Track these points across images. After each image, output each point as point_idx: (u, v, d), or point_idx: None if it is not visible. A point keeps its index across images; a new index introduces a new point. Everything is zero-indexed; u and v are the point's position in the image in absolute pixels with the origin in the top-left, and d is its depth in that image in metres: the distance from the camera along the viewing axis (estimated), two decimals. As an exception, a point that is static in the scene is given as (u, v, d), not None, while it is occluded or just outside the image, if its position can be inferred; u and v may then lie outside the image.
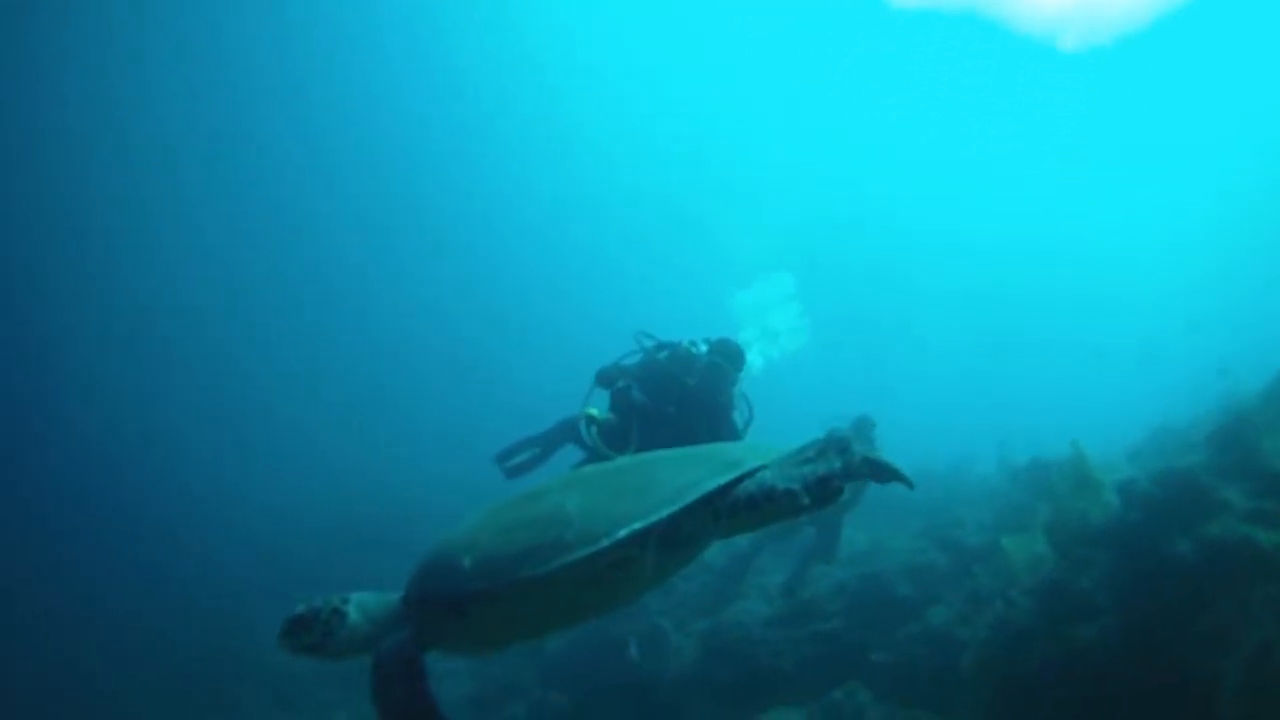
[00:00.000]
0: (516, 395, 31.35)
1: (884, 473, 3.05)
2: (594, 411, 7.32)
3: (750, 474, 2.92)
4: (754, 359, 8.22)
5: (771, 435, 4.25)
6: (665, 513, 2.77)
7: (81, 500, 25.54)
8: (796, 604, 9.43)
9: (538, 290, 50.73)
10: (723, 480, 2.88)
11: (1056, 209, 46.48)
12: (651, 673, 8.94)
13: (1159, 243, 45.21)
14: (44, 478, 26.67)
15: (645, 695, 8.68)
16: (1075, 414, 21.70)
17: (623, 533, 2.72)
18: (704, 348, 7.57)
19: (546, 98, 43.73)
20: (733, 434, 7.32)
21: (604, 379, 7.47)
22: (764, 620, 9.37)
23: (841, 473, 2.84)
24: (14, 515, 22.56)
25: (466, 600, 2.78)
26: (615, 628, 9.47)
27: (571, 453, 8.12)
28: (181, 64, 32.27)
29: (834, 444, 2.96)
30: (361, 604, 2.95)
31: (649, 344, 7.71)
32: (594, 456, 7.27)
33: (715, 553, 11.95)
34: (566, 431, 8.25)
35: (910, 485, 3.04)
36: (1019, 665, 5.88)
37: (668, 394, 7.33)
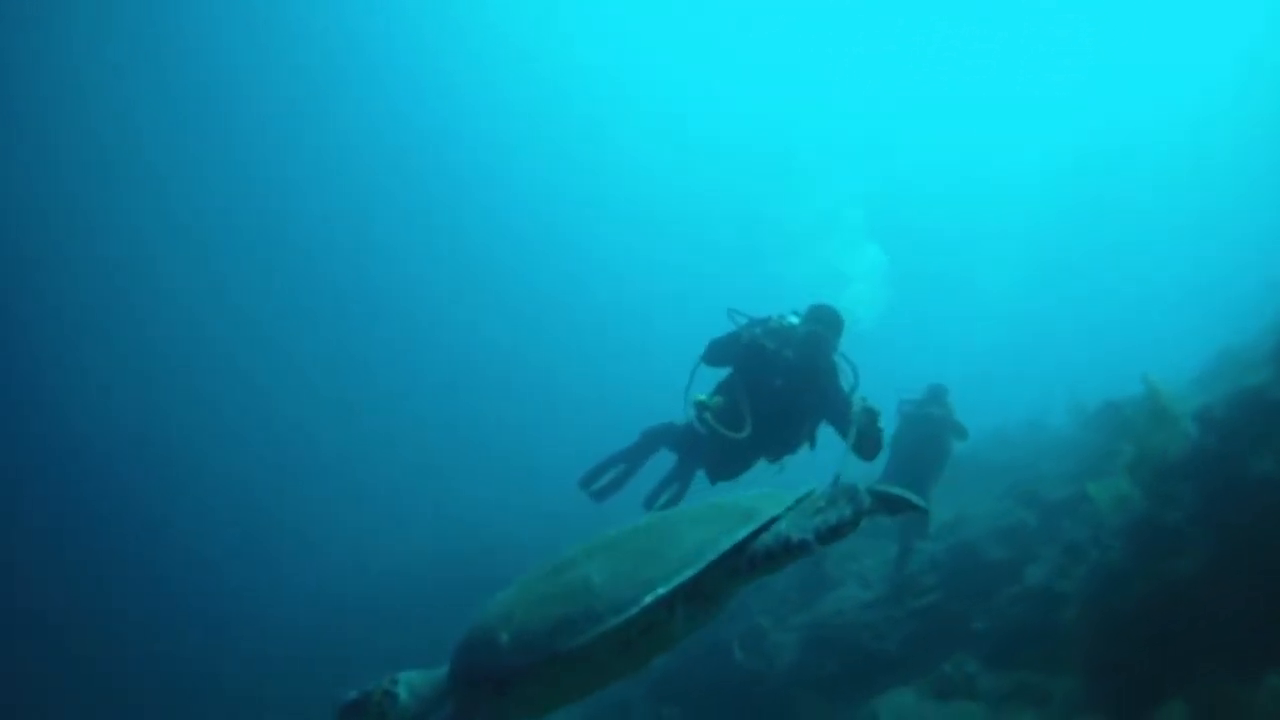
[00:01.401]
0: (588, 416, 31.51)
1: (897, 505, 3.24)
2: (701, 397, 7.45)
3: (766, 526, 3.10)
4: (862, 314, 8.17)
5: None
6: (688, 575, 2.92)
7: (147, 543, 26.10)
8: (892, 584, 9.75)
9: (597, 302, 51.11)
10: (739, 536, 3.03)
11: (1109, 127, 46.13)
12: (758, 672, 9.23)
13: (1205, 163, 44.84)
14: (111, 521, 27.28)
15: (755, 696, 8.96)
16: (1138, 351, 21.76)
17: (649, 599, 2.86)
18: (795, 319, 7.58)
19: (581, 78, 44.43)
20: (839, 400, 7.34)
21: (712, 355, 7.59)
22: (862, 604, 9.69)
23: (852, 520, 3.04)
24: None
25: (507, 677, 2.92)
26: (716, 633, 9.76)
27: (662, 461, 8.43)
28: (209, 61, 33.04)
29: (843, 493, 3.16)
30: (409, 683, 3.11)
31: (742, 320, 7.72)
32: (709, 443, 7.49)
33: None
34: (655, 439, 8.40)
35: (925, 510, 3.27)
36: (1119, 608, 6.11)
37: (771, 367, 7.40)
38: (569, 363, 48.20)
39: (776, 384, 7.38)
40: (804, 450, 7.66)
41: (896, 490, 3.24)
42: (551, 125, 48.43)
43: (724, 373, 7.73)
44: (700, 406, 7.39)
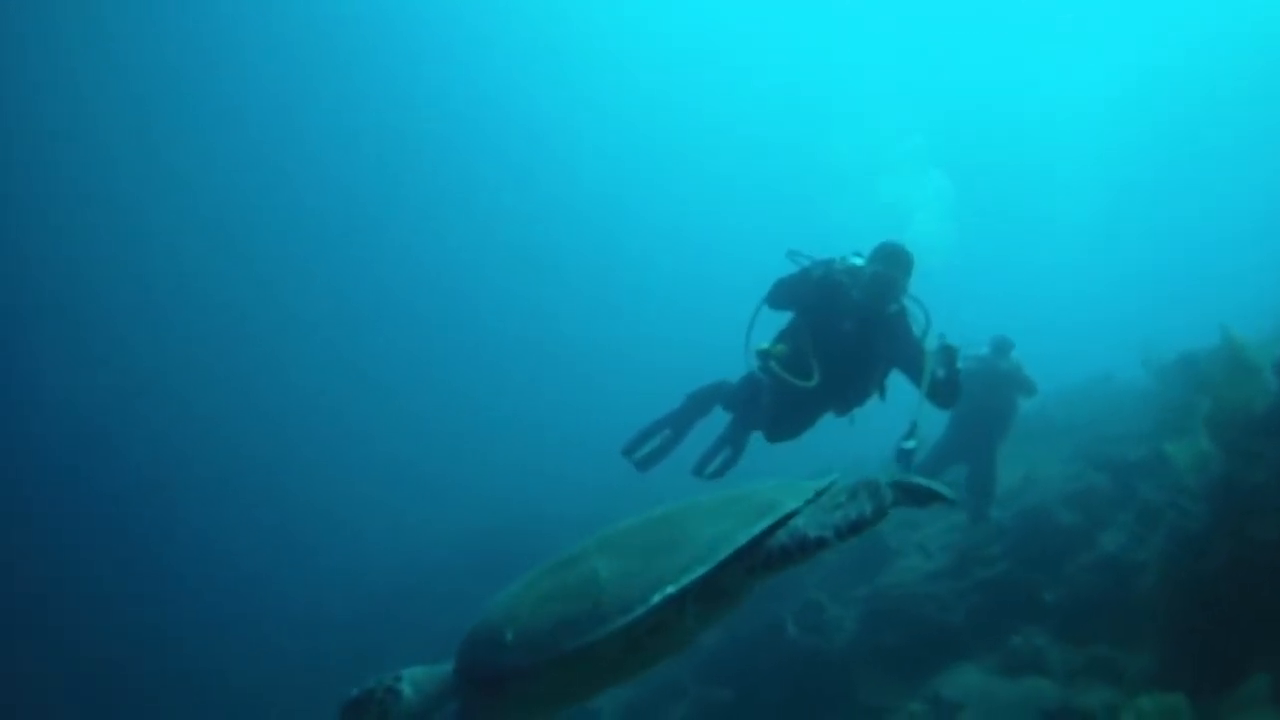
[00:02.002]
0: (629, 382, 31.32)
1: (922, 497, 3.18)
2: (764, 344, 7.25)
3: (782, 521, 3.04)
4: (930, 248, 7.72)
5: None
6: (698, 573, 2.87)
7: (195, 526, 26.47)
8: (957, 553, 9.52)
9: (636, 261, 50.70)
10: (754, 531, 2.99)
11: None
12: (815, 649, 9.03)
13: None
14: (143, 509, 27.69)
15: (812, 674, 8.78)
16: (1217, 298, 21.13)
17: (656, 598, 2.83)
18: (859, 261, 7.25)
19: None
20: (911, 346, 7.12)
21: (778, 296, 7.35)
22: (925, 575, 9.47)
23: (873, 516, 2.98)
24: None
25: (511, 676, 2.92)
26: (770, 609, 9.59)
27: (711, 427, 8.20)
28: (250, 53, 33.34)
29: (865, 487, 3.10)
30: (414, 680, 3.11)
31: (805, 262, 7.42)
32: (772, 396, 7.31)
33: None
34: (704, 400, 8.24)
35: (952, 502, 3.19)
36: (1199, 576, 5.88)
37: (840, 309, 7.17)
38: (608, 325, 47.97)
39: (845, 328, 7.15)
40: (873, 402, 7.45)
41: (922, 481, 3.18)
42: (581, 69, 47.91)
43: (784, 321, 7.50)
44: (764, 354, 7.17)
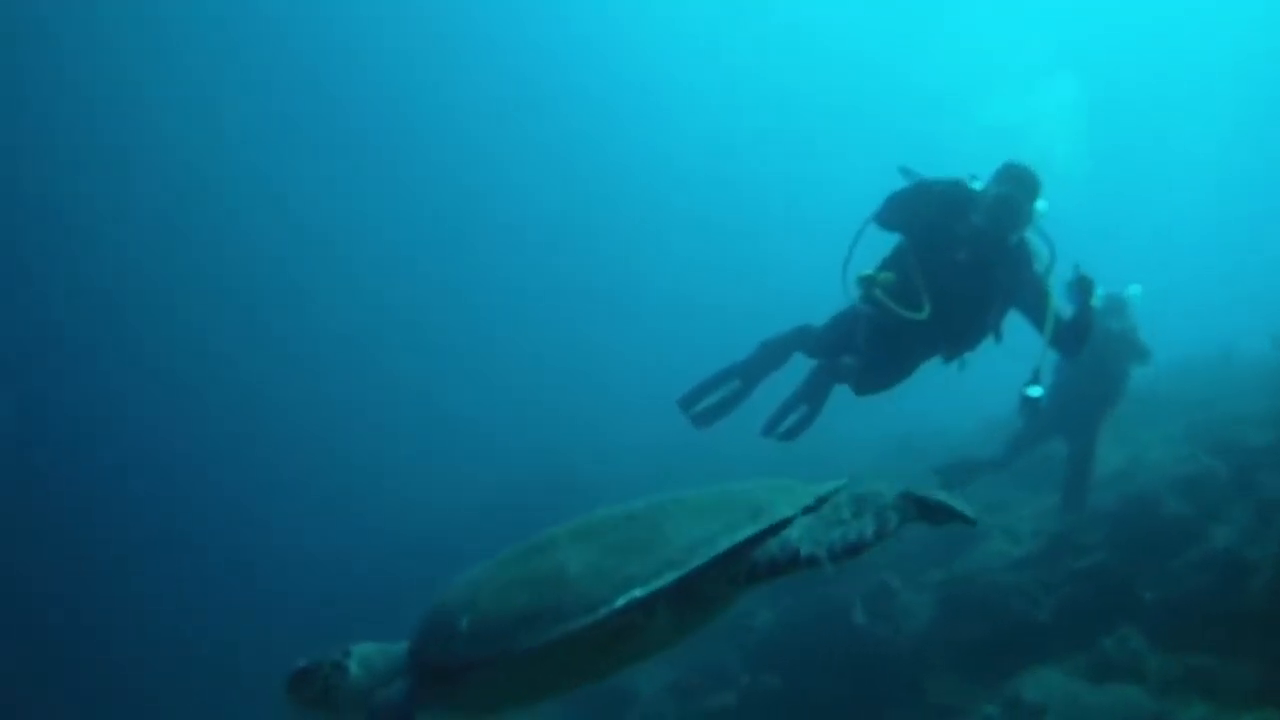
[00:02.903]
0: (688, 328, 30.79)
1: (940, 515, 2.96)
2: (868, 270, 6.77)
3: (774, 528, 2.93)
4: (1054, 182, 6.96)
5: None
6: (670, 578, 2.79)
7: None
8: (1048, 539, 9.00)
9: (700, 188, 49.27)
10: (741, 537, 2.87)
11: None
12: (882, 639, 8.60)
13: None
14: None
15: (876, 667, 8.35)
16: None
17: (622, 601, 2.75)
18: (976, 185, 6.75)
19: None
20: (1034, 283, 6.67)
21: (891, 212, 6.83)
22: (1011, 563, 8.99)
23: (874, 538, 2.83)
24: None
25: (461, 668, 2.89)
26: (835, 590, 9.19)
27: (790, 376, 7.68)
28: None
29: (871, 501, 2.95)
30: (363, 657, 3.09)
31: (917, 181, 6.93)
32: (871, 335, 6.90)
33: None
34: (782, 347, 7.77)
35: (972, 523, 2.96)
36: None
37: (955, 236, 6.67)
38: (663, 264, 46.42)
39: (959, 257, 6.64)
40: (987, 345, 6.99)
41: (942, 497, 2.94)
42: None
43: (887, 250, 7.01)
44: (868, 280, 6.70)
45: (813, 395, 7.60)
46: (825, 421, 7.84)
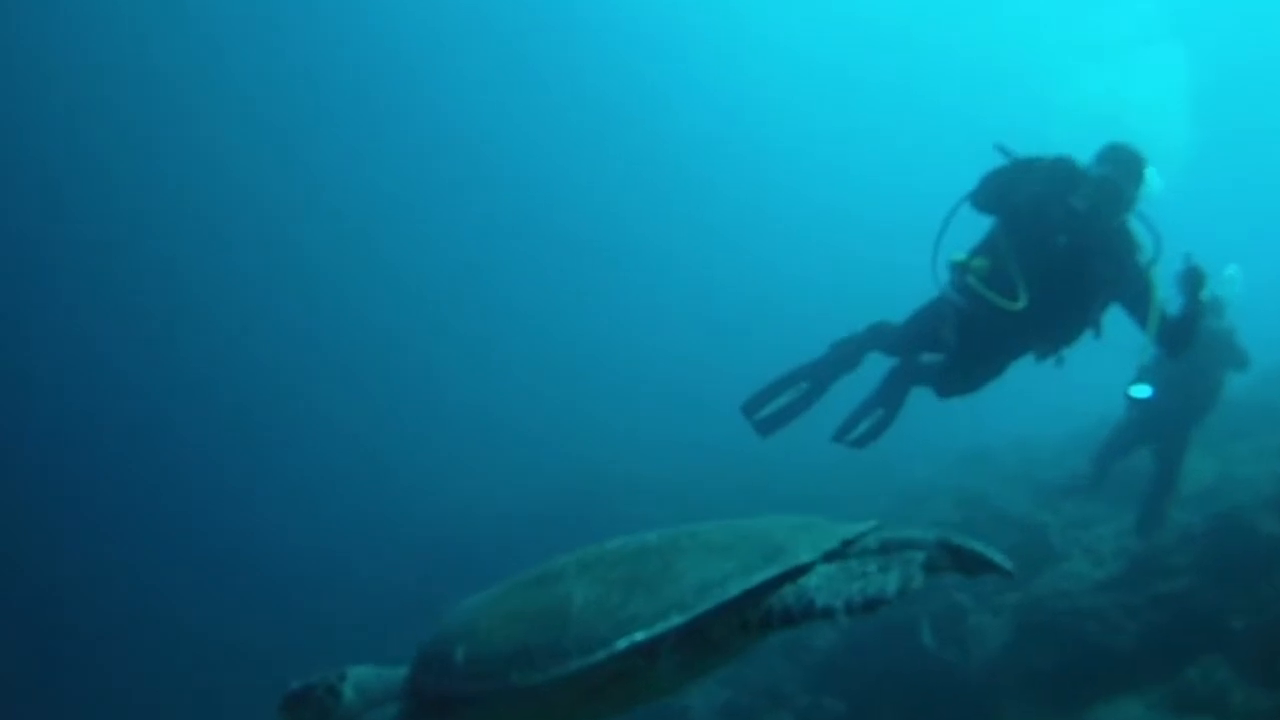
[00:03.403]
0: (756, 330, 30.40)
1: (975, 565, 2.80)
2: (960, 255, 6.59)
3: (792, 573, 2.74)
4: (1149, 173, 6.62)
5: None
6: (674, 622, 2.66)
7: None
8: (1132, 561, 8.64)
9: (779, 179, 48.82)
10: (755, 581, 2.71)
11: None
12: (949, 663, 8.36)
13: None
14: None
15: (943, 693, 8.10)
16: None
17: (622, 644, 2.65)
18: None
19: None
20: (1136, 272, 6.39)
21: (988, 193, 6.59)
22: (1092, 585, 8.63)
23: (895, 595, 2.59)
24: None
25: (454, 700, 2.86)
26: (902, 610, 8.82)
27: (869, 374, 7.43)
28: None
29: (899, 552, 2.76)
30: (359, 681, 3.09)
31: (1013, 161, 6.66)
32: (962, 328, 6.66)
33: (1017, 501, 11.22)
34: (856, 347, 7.52)
35: (1009, 576, 2.79)
36: None
37: (1053, 221, 6.39)
38: (732, 257, 45.98)
39: (1058, 243, 6.36)
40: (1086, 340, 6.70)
41: (977, 546, 2.77)
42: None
43: (971, 241, 6.79)
44: (960, 266, 6.51)
45: (889, 398, 7.36)
46: (895, 429, 7.59)
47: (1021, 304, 6.24)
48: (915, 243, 6.96)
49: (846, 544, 2.86)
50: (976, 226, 6.87)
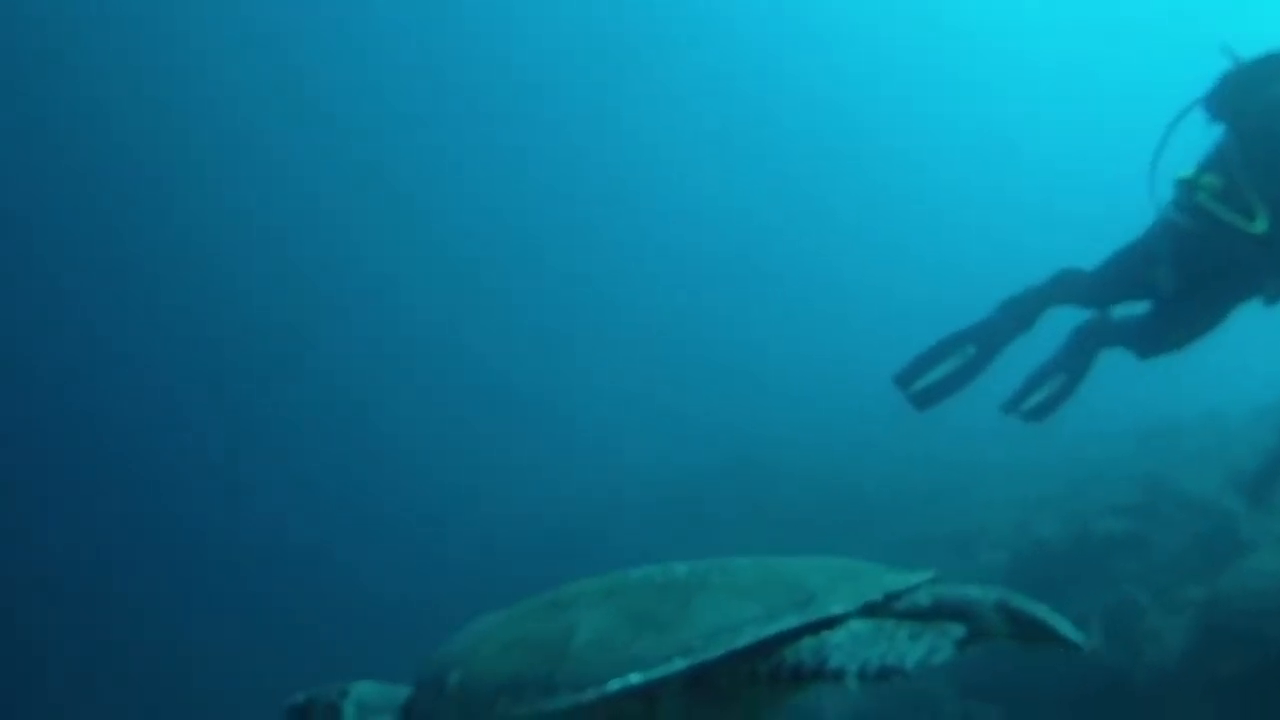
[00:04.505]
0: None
1: (1032, 631, 2.56)
2: (1188, 172, 6.05)
3: (816, 625, 2.56)
4: None
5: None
6: (677, 666, 2.51)
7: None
8: None
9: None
10: (771, 631, 2.53)
11: None
12: (1120, 669, 7.74)
13: None
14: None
15: (1112, 701, 7.55)
16: None
17: (615, 686, 2.52)
18: None
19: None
20: None
21: (1221, 98, 6.05)
22: None
23: (915, 668, 2.40)
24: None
25: None
26: (1070, 603, 8.17)
27: (1050, 334, 6.87)
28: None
29: (934, 627, 2.51)
30: (360, 698, 3.07)
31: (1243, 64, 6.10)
32: (1186, 261, 6.10)
33: (1206, 484, 10.51)
34: (1037, 300, 7.04)
35: (1078, 650, 2.54)
36: None
37: None
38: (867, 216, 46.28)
39: None
40: None
41: (1041, 614, 2.52)
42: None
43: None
44: (1188, 183, 5.99)
45: (1073, 362, 6.80)
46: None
47: (1261, 227, 5.63)
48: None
49: (890, 597, 2.68)
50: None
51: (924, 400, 7.28)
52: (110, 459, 28.22)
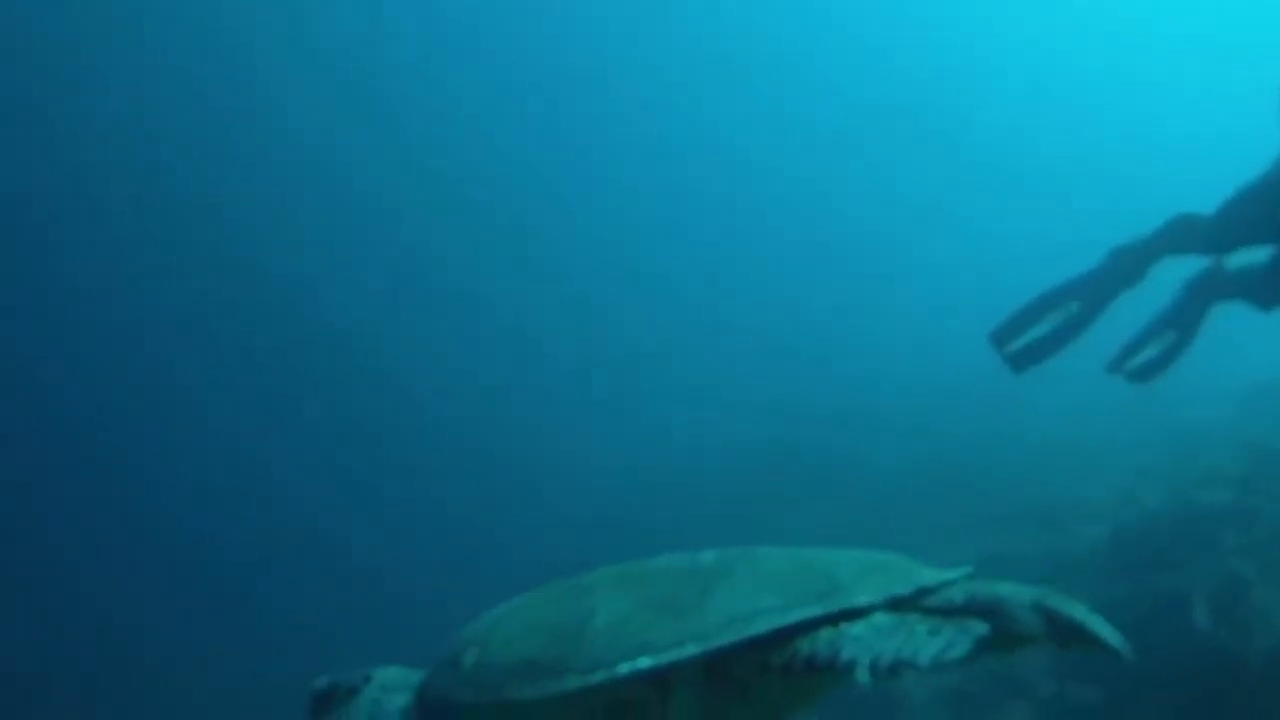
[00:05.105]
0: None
1: (1070, 635, 2.42)
2: None
3: (837, 615, 2.52)
4: None
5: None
6: (689, 652, 2.49)
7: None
8: None
9: None
10: (788, 620, 2.50)
11: None
12: (1228, 650, 7.38)
13: None
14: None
15: (1219, 685, 7.18)
16: None
17: (624, 669, 2.49)
18: None
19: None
20: None
21: None
22: None
23: (928, 664, 2.31)
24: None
25: (450, 708, 2.83)
26: (1168, 579, 8.10)
27: (1167, 285, 6.52)
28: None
29: (955, 622, 2.44)
30: (384, 683, 3.10)
31: None
32: None
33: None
34: (1144, 251, 6.61)
35: (1118, 656, 2.37)
36: None
37: None
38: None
39: None
40: None
41: (1079, 616, 2.38)
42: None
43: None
44: None
45: (1184, 317, 6.42)
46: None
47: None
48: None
49: (921, 591, 2.62)
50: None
51: (1022, 360, 6.92)
52: (123, 453, 28.87)
